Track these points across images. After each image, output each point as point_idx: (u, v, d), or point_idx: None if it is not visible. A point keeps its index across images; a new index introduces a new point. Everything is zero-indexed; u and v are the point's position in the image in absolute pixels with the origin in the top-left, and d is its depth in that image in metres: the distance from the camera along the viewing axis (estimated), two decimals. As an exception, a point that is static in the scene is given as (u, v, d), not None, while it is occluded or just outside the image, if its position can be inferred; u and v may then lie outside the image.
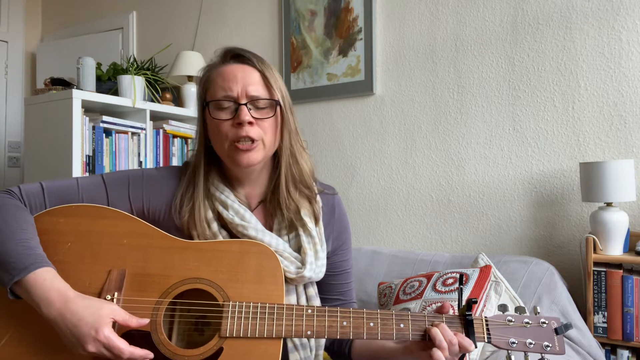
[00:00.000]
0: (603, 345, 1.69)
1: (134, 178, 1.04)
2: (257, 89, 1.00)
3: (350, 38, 2.43)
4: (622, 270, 1.69)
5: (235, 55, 1.04)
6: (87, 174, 2.29)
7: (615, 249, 1.72)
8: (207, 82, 1.04)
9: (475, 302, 0.92)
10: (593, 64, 1.94)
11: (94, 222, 0.97)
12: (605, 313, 1.69)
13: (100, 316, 0.85)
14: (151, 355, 0.87)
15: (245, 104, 0.98)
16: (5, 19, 3.59)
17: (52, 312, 0.85)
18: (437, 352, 0.88)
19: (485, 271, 1.67)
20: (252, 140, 0.98)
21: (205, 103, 1.02)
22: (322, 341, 1.07)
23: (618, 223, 1.71)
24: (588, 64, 1.95)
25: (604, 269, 1.70)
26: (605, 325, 1.69)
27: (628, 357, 1.68)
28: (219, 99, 0.99)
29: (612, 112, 1.91)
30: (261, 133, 0.99)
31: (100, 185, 1.02)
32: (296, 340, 1.01)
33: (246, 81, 0.99)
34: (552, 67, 2.01)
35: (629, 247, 1.78)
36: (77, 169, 2.23)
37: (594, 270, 1.70)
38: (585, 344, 1.61)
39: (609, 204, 1.75)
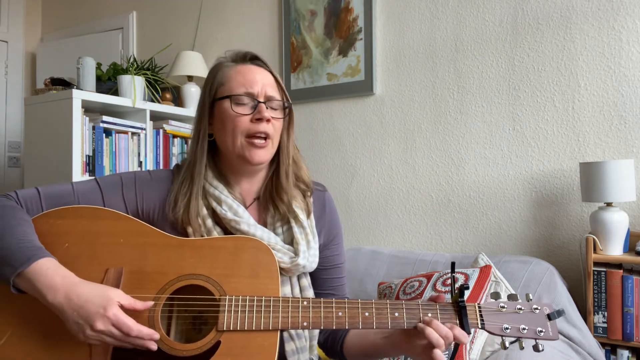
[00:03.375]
0: (603, 345, 1.69)
1: (127, 180, 1.07)
2: (273, 90, 1.07)
3: (350, 38, 2.43)
4: (622, 270, 1.69)
5: (253, 58, 1.10)
6: (87, 174, 2.29)
7: (615, 249, 1.72)
8: (222, 77, 1.07)
9: (467, 288, 0.93)
10: (593, 64, 1.94)
11: (90, 223, 0.98)
12: (605, 313, 1.69)
13: (109, 297, 0.87)
14: (157, 335, 0.88)
15: (264, 102, 1.04)
16: (5, 19, 3.59)
17: (58, 297, 0.86)
18: (437, 353, 0.90)
19: (485, 271, 1.67)
20: (265, 138, 1.04)
21: (221, 95, 1.05)
22: (316, 332, 1.10)
23: (618, 223, 1.71)
24: (588, 64, 1.95)
25: (604, 269, 1.70)
26: (605, 325, 1.69)
27: (628, 357, 1.68)
28: (241, 94, 1.04)
29: (612, 112, 1.91)
30: (273, 132, 1.05)
31: (95, 189, 1.04)
32: (292, 330, 1.03)
33: (264, 82, 1.06)
34: (552, 67, 2.01)
35: (629, 247, 1.78)
36: (77, 169, 2.23)
37: (594, 270, 1.70)
38: (585, 344, 1.62)
39: (609, 204, 1.75)
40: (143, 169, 2.51)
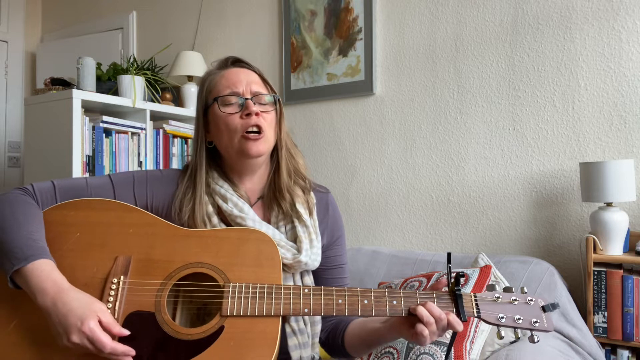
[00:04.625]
0: (603, 345, 1.69)
1: (138, 177, 1.12)
2: (258, 87, 1.11)
3: (350, 38, 2.43)
4: (622, 270, 1.69)
5: (235, 61, 1.15)
6: (87, 174, 2.29)
7: (615, 249, 1.72)
8: (209, 85, 1.13)
9: (463, 276, 0.96)
10: (593, 64, 1.94)
11: (101, 214, 1.03)
12: (605, 313, 1.69)
13: (90, 310, 0.88)
14: (133, 352, 0.89)
15: (251, 99, 1.08)
16: (5, 19, 3.59)
17: (46, 301, 0.89)
18: (419, 326, 0.92)
19: (485, 271, 1.67)
20: (259, 132, 1.07)
21: (210, 101, 1.11)
22: (318, 329, 1.13)
23: (618, 223, 1.71)
24: (588, 64, 1.95)
25: (604, 269, 1.70)
26: (605, 325, 1.69)
27: (628, 357, 1.68)
28: (226, 94, 1.09)
29: (612, 112, 1.91)
30: (266, 124, 1.08)
31: (108, 184, 1.09)
32: (294, 325, 1.07)
33: (248, 80, 1.11)
34: (552, 67, 2.01)
35: (629, 247, 1.78)
36: (77, 169, 2.23)
37: (594, 270, 1.70)
38: (586, 344, 1.62)
39: (609, 204, 1.75)
40: (143, 169, 2.51)
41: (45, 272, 0.90)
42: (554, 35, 2.01)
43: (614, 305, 1.67)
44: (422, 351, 1.50)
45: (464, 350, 1.50)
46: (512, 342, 1.57)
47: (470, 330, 1.53)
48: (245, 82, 1.10)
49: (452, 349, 1.49)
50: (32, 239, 0.94)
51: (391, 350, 1.56)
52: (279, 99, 1.14)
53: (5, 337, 0.93)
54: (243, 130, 1.06)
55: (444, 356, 1.48)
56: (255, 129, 1.06)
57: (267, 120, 1.09)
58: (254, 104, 1.08)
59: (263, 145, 1.08)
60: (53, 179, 1.09)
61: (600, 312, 1.69)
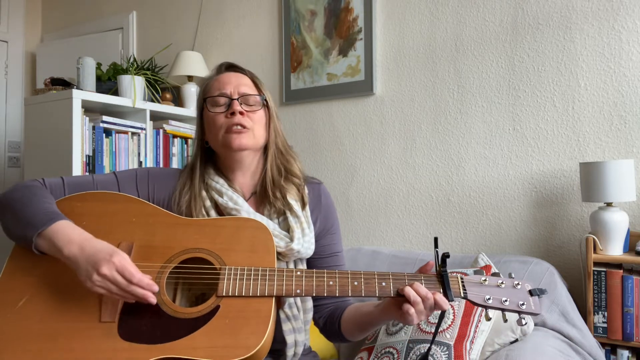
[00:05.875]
0: (603, 345, 1.69)
1: (140, 173, 1.20)
2: (247, 88, 1.18)
3: (350, 38, 2.43)
4: (622, 270, 1.69)
5: (229, 66, 1.23)
6: (87, 174, 2.29)
7: (615, 249, 1.72)
8: (205, 89, 1.21)
9: (448, 256, 0.98)
10: (593, 64, 1.94)
11: (107, 205, 1.10)
12: (605, 313, 1.69)
13: (117, 250, 0.96)
14: (156, 287, 0.95)
15: (237, 99, 1.15)
16: (5, 19, 3.59)
17: (73, 249, 0.96)
18: (405, 305, 0.96)
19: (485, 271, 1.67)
20: (244, 128, 1.14)
21: (203, 100, 1.19)
22: (309, 317, 1.19)
23: (618, 223, 1.71)
24: (588, 64, 1.95)
25: (604, 269, 1.70)
26: (605, 325, 1.69)
27: (628, 357, 1.68)
28: (215, 95, 1.17)
29: (612, 112, 1.91)
30: (251, 123, 1.15)
31: (113, 180, 1.17)
32: (288, 312, 1.12)
33: (238, 82, 1.18)
34: (552, 67, 2.01)
35: (629, 247, 1.78)
36: (77, 169, 2.23)
37: (594, 270, 1.70)
38: (586, 344, 1.62)
39: (609, 204, 1.75)
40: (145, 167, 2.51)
41: (70, 227, 0.99)
42: (554, 35, 2.01)
43: (614, 305, 1.67)
44: (423, 351, 1.50)
45: (464, 350, 1.50)
46: (511, 342, 1.57)
47: (470, 330, 1.53)
48: (235, 84, 1.17)
49: (455, 348, 1.49)
50: (49, 206, 1.03)
51: (391, 350, 1.56)
52: (266, 99, 1.20)
53: (16, 313, 0.99)
54: (226, 127, 1.13)
55: (444, 356, 1.48)
56: (238, 127, 1.13)
57: (253, 120, 1.15)
58: (240, 104, 1.14)
59: (246, 139, 1.13)
60: (62, 176, 1.17)
61: (600, 312, 1.69)
